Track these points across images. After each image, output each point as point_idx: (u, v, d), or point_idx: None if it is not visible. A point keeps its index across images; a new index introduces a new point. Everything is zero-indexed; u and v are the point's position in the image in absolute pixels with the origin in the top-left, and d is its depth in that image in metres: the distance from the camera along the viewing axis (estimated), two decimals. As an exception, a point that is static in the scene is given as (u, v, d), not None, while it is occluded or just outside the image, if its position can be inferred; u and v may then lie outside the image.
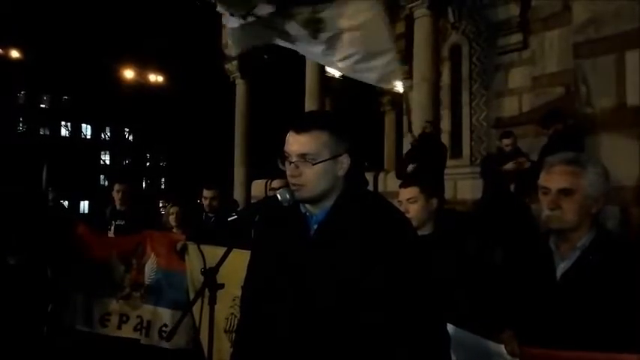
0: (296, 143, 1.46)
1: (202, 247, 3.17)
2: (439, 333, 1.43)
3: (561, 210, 1.65)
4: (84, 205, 32.46)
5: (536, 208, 5.03)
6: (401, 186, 2.52)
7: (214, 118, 22.89)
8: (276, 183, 4.32)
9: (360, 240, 1.41)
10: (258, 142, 12.07)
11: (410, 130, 7.56)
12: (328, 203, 1.50)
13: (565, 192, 1.65)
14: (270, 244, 1.58)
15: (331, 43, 5.90)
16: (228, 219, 1.55)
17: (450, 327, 1.58)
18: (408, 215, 2.32)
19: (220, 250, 1.62)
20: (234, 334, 3.35)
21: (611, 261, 1.61)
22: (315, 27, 5.80)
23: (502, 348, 1.74)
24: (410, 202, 2.41)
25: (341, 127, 1.52)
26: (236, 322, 3.33)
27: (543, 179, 1.72)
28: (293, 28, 5.89)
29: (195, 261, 3.76)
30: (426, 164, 6.17)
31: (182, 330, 3.50)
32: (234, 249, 1.57)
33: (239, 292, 2.62)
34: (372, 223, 1.43)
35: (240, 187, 11.45)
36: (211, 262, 1.61)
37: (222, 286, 1.55)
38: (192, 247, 3.85)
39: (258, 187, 10.54)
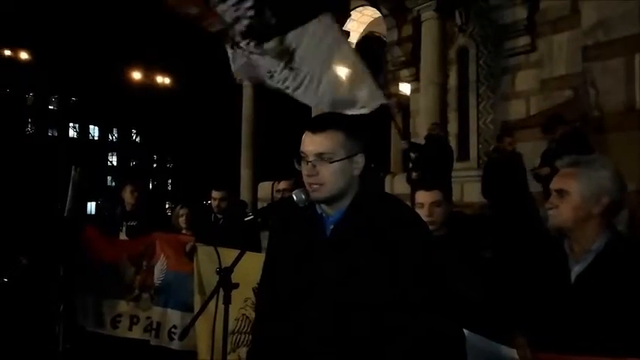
0: (312, 143, 1.49)
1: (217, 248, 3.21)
2: (457, 333, 1.45)
3: (557, 210, 1.73)
4: (91, 207, 32.61)
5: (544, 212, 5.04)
6: (422, 189, 2.52)
7: (221, 120, 22.96)
8: (283, 184, 4.35)
9: (377, 240, 1.43)
10: (264, 144, 12.10)
11: (404, 137, 7.32)
12: (344, 203, 1.52)
13: (560, 193, 1.73)
14: (286, 245, 1.60)
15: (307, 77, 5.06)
16: (245, 219, 1.57)
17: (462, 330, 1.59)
18: (431, 218, 2.35)
19: (231, 252, 1.64)
20: (242, 336, 3.37)
21: (625, 264, 1.61)
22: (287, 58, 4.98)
23: (514, 353, 1.72)
24: (434, 205, 2.42)
25: (356, 126, 1.54)
26: (246, 324, 3.35)
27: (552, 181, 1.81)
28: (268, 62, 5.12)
29: (205, 262, 3.76)
30: (432, 167, 6.16)
31: (193, 331, 3.51)
32: (247, 251, 1.59)
33: (251, 294, 2.62)
34: (389, 224, 1.45)
35: (247, 189, 11.48)
36: (223, 264, 1.61)
37: (236, 285, 1.56)
38: (202, 249, 3.86)
39: (264, 189, 10.57)
